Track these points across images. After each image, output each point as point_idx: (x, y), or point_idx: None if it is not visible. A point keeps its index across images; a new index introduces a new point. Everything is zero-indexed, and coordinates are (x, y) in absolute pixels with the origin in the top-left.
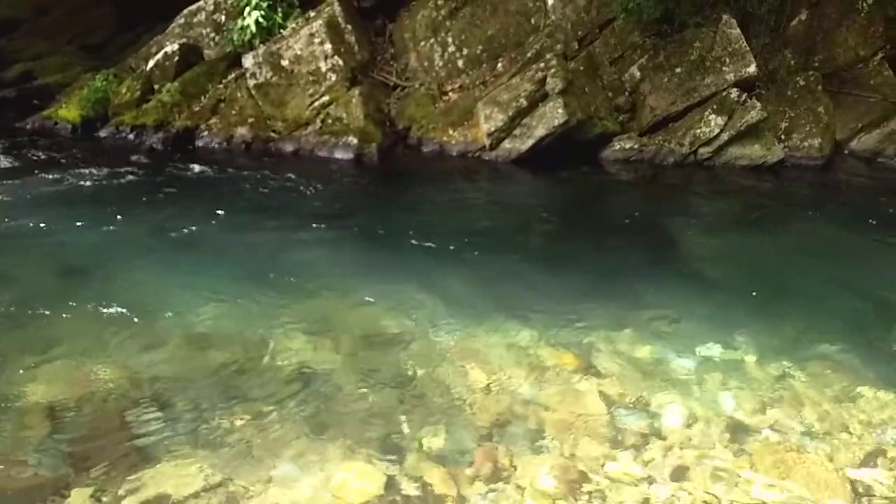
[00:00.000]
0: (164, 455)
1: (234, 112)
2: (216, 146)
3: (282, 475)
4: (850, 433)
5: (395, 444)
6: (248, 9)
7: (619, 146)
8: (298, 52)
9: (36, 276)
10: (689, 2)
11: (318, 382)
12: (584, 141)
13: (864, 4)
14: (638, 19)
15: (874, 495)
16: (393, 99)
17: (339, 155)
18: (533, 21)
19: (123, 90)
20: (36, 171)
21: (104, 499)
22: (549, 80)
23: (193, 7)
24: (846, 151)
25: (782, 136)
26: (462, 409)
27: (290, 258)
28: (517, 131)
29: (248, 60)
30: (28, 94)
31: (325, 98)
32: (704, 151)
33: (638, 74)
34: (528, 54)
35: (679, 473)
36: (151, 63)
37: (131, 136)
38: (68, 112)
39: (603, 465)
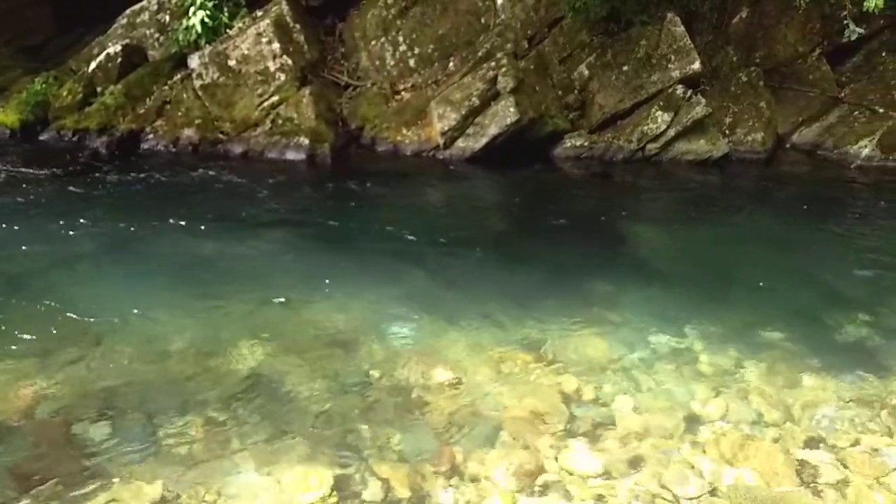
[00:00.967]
0: (116, 470)
1: (180, 114)
2: (162, 149)
3: (238, 484)
4: (795, 418)
5: (354, 446)
6: (193, 8)
7: (569, 144)
8: (246, 52)
9: None
10: (635, 0)
11: (274, 388)
12: (536, 139)
13: (802, 2)
14: (585, 18)
15: (819, 476)
16: (345, 98)
17: (290, 156)
18: (483, 20)
19: (64, 93)
20: None
21: None
22: (500, 79)
23: (136, 7)
24: (788, 145)
25: (727, 131)
26: (420, 407)
27: (242, 262)
28: (470, 130)
29: (193, 61)
30: None
31: (275, 98)
32: (652, 147)
33: (587, 73)
34: (479, 53)
35: (634, 463)
36: (93, 65)
37: (74, 140)
38: (6, 116)
39: (561, 459)
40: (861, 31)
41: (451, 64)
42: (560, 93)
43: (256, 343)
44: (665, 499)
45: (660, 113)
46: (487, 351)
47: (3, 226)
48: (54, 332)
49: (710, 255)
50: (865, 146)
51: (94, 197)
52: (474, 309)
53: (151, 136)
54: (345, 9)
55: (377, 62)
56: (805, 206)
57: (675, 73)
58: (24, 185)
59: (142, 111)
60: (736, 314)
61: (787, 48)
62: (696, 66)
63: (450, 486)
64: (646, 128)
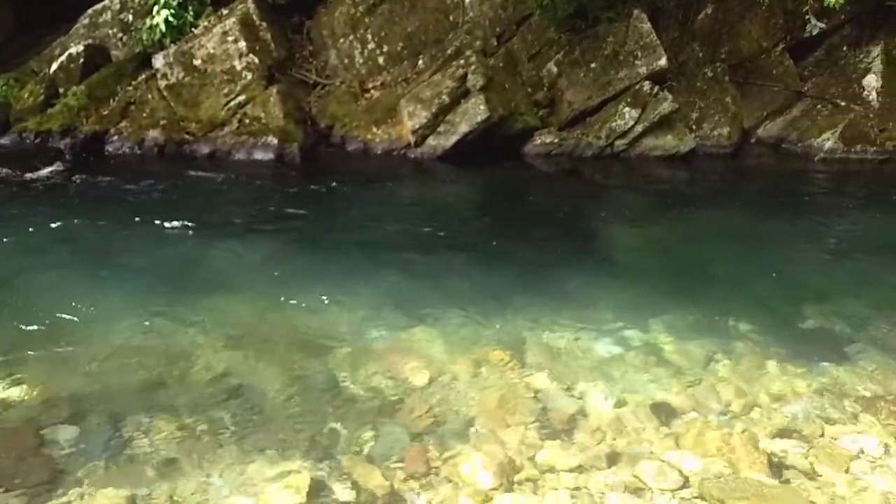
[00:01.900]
0: (85, 477)
1: (145, 114)
2: (127, 150)
3: (208, 489)
4: (764, 408)
5: (326, 448)
6: (156, 7)
7: (539, 141)
8: (212, 51)
9: None
10: None
11: (244, 390)
12: (507, 136)
13: None
14: (553, 15)
15: (788, 464)
16: (313, 97)
17: (258, 156)
18: (451, 18)
19: (25, 95)
20: None
21: None
22: (469, 76)
23: (98, 6)
24: (753, 139)
25: (693, 127)
26: (394, 407)
27: (211, 265)
28: (441, 128)
29: (158, 61)
30: None
31: (242, 97)
32: (620, 143)
33: (555, 70)
34: (449, 51)
35: (608, 457)
36: (55, 66)
37: (36, 143)
38: None
39: (535, 455)
40: (822, 25)
41: (420, 62)
42: (529, 90)
43: (227, 345)
44: (639, 491)
45: (627, 109)
46: (459, 349)
47: None
48: (18, 337)
49: (678, 249)
50: (828, 139)
51: (58, 200)
52: (446, 307)
53: (116, 137)
54: (312, 6)
55: (346, 60)
56: (770, 200)
57: (642, 70)
58: None
59: (106, 112)
60: (705, 307)
61: (752, 43)
62: (663, 62)
63: (423, 486)
64: (614, 124)
